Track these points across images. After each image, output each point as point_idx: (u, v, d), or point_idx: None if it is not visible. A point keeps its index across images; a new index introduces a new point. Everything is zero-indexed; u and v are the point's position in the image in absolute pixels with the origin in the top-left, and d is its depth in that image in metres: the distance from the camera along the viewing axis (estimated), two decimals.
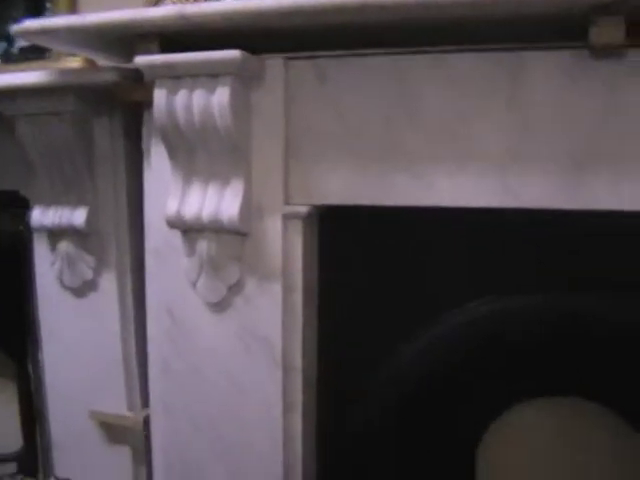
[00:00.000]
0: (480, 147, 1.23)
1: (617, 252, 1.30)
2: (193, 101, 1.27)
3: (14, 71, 1.61)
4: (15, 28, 1.31)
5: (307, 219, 1.35)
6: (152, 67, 1.28)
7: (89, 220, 1.61)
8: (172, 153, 1.35)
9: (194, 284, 1.41)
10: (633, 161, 1.17)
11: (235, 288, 1.39)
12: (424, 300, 1.39)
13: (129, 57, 1.31)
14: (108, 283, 1.67)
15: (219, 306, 1.41)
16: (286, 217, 1.34)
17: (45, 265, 1.72)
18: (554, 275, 1.33)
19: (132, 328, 1.69)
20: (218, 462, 1.46)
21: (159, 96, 1.29)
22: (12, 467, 2.01)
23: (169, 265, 1.44)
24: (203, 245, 1.38)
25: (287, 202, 1.35)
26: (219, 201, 1.34)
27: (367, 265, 1.42)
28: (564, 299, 1.36)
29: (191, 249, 1.40)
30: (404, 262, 1.39)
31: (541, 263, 1.34)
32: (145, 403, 1.68)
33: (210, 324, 1.42)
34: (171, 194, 1.36)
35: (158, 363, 1.48)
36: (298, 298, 1.38)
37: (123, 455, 1.75)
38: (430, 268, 1.39)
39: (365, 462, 1.48)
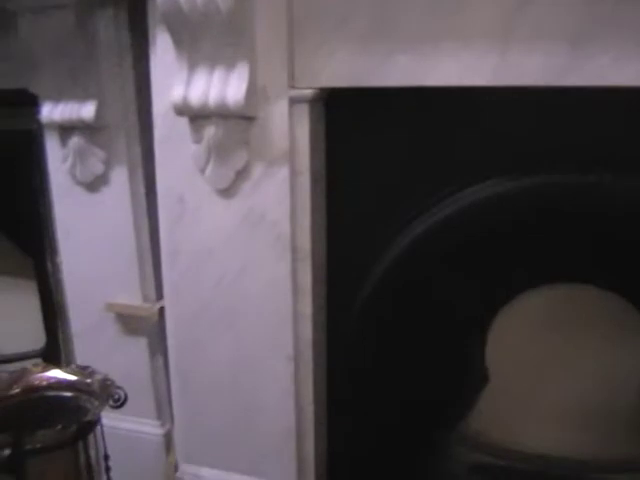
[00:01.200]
0: (481, 23, 1.21)
1: (624, 128, 1.28)
2: None
3: None
4: None
5: (313, 102, 1.36)
6: None
7: (98, 113, 1.61)
8: (176, 40, 1.35)
9: (203, 171, 1.42)
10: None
11: (243, 173, 1.41)
12: (431, 181, 1.40)
13: None
14: (119, 176, 1.69)
15: (228, 192, 1.42)
16: (292, 100, 1.34)
17: (57, 162, 1.74)
18: (562, 153, 1.32)
19: (145, 220, 1.72)
20: (227, 333, 1.50)
21: None
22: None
23: (178, 153, 1.45)
24: (210, 131, 1.38)
25: (292, 85, 1.34)
26: (225, 86, 1.34)
27: (373, 150, 1.41)
28: (572, 178, 1.35)
29: (199, 135, 1.40)
30: (409, 145, 1.39)
31: (548, 141, 1.32)
32: (160, 295, 1.72)
33: (219, 210, 1.44)
34: (177, 81, 1.36)
35: (170, 250, 1.50)
36: (305, 182, 1.39)
37: (140, 345, 1.79)
38: (437, 148, 1.38)
39: (370, 344, 1.51)
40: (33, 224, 2.02)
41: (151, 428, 1.86)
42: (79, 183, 1.73)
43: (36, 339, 2.13)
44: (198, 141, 1.41)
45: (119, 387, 1.51)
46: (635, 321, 1.56)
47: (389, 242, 1.44)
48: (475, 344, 1.65)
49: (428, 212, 1.43)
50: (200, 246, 1.46)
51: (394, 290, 1.48)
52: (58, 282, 2.01)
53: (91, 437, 1.48)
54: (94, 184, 1.71)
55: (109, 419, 1.64)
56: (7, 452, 1.33)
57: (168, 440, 1.83)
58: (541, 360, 1.65)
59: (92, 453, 1.49)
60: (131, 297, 1.75)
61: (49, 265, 2.04)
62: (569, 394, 1.64)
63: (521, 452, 1.61)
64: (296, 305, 1.43)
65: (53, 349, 2.06)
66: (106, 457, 1.53)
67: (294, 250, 1.40)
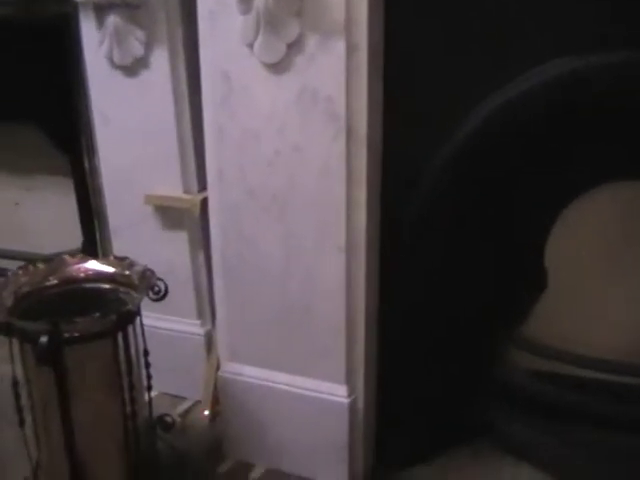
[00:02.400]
0: None
1: None
2: None
3: None
4: None
5: None
6: None
7: None
8: None
9: (251, 45, 1.31)
10: None
11: (295, 46, 1.29)
12: (496, 61, 1.27)
13: None
14: (160, 59, 1.60)
15: (278, 67, 1.31)
16: None
17: (93, 46, 1.64)
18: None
19: (187, 105, 1.63)
20: (275, 222, 1.40)
21: None
22: None
23: (224, 27, 1.33)
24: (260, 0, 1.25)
25: None
26: None
27: (437, 25, 1.29)
28: None
29: (247, 6, 1.28)
30: (475, 21, 1.25)
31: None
32: (202, 187, 1.62)
33: (269, 87, 1.33)
34: None
35: (214, 132, 1.40)
36: (363, 57, 1.28)
37: (180, 240, 1.71)
38: (503, 25, 1.24)
39: (428, 238, 1.41)
40: (70, 119, 1.93)
41: (192, 327, 1.81)
42: (117, 67, 1.63)
43: (73, 239, 2.05)
44: (246, 12, 1.29)
45: (159, 278, 1.43)
46: None
47: (451, 129, 1.31)
48: (535, 245, 1.53)
49: (493, 94, 1.29)
50: (248, 127, 1.36)
51: (455, 182, 1.37)
52: (95, 179, 1.93)
53: (130, 329, 1.41)
54: (133, 67, 1.62)
55: (150, 319, 1.61)
56: (44, 340, 1.25)
57: (209, 340, 1.77)
58: (603, 264, 1.53)
59: (132, 347, 1.41)
60: (172, 188, 1.67)
61: (86, 162, 1.95)
62: (632, 299, 1.52)
63: (582, 356, 1.50)
64: (349, 192, 1.31)
65: (91, 248, 1.99)
66: (146, 352, 1.47)
67: (349, 131, 1.29)
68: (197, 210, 1.65)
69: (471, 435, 1.66)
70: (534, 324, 1.61)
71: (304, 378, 1.49)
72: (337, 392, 1.47)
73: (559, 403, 1.54)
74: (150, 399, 1.52)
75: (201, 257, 1.72)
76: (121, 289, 1.48)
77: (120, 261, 1.52)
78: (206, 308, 1.77)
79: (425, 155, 1.36)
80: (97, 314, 1.36)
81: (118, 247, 1.77)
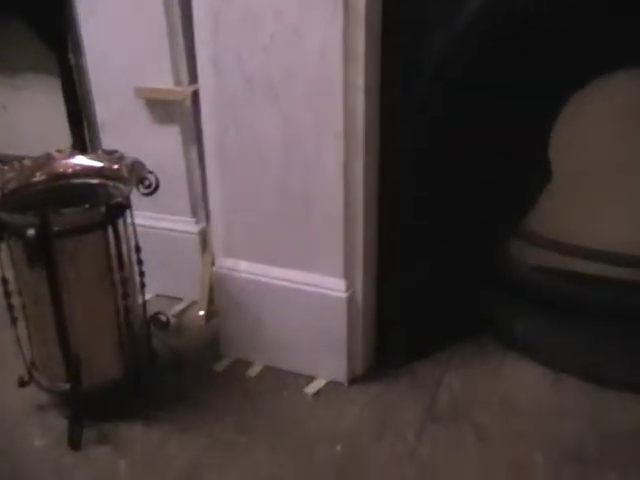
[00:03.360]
0: None
1: None
2: None
3: None
4: None
5: None
6: None
7: None
8: None
9: None
10: None
11: None
12: None
13: None
14: None
15: None
16: None
17: None
18: None
19: None
20: (271, 108, 1.33)
21: None
22: None
23: None
24: None
25: None
26: None
27: None
28: None
29: None
30: None
31: None
32: (193, 80, 1.55)
33: None
34: None
35: (206, 17, 1.33)
36: None
37: (172, 135, 1.65)
38: None
39: (435, 116, 1.34)
40: (57, 13, 1.83)
41: (186, 225, 1.77)
42: None
43: (63, 140, 1.99)
44: None
45: (150, 171, 1.37)
46: None
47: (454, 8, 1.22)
48: (540, 135, 1.47)
49: None
50: (246, 10, 1.27)
51: (458, 67, 1.29)
52: (83, 76, 1.85)
53: (121, 223, 1.35)
54: None
55: (144, 218, 1.60)
56: (32, 232, 1.20)
57: (204, 238, 1.72)
58: (609, 155, 1.48)
59: (123, 242, 1.36)
60: (162, 81, 1.58)
61: (72, 59, 1.87)
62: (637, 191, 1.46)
63: (585, 248, 1.45)
64: (347, 74, 1.24)
65: (80, 148, 1.93)
66: (137, 249, 1.42)
67: (346, 8, 1.20)
68: (188, 102, 1.58)
69: (474, 330, 1.65)
70: (538, 217, 1.57)
71: (302, 272, 1.45)
72: (335, 286, 1.43)
73: (561, 296, 1.53)
74: (144, 295, 1.47)
75: (194, 152, 1.66)
76: (110, 183, 1.43)
77: (109, 155, 1.46)
78: (200, 205, 1.73)
79: (427, 36, 1.27)
80: (86, 206, 1.30)
81: (107, 144, 1.70)
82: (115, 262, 1.38)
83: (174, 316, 1.78)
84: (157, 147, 1.64)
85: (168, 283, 1.80)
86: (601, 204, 1.53)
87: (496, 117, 1.40)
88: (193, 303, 1.82)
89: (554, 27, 1.28)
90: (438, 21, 1.28)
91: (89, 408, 1.40)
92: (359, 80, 1.27)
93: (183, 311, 1.82)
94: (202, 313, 1.75)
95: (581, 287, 1.51)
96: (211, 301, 1.71)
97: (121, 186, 1.39)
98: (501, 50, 1.30)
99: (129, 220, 1.40)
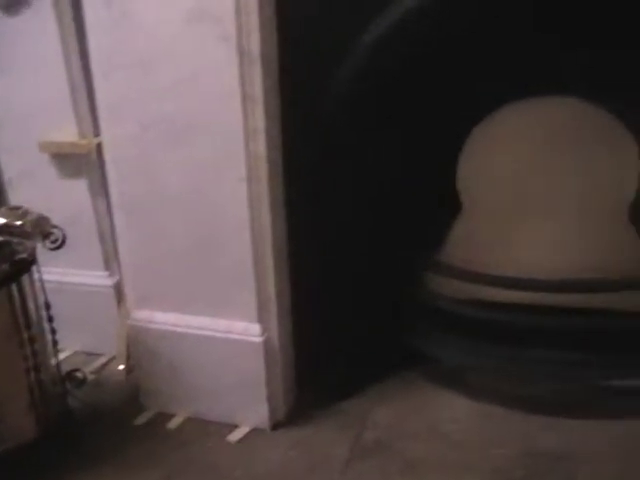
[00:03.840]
0: None
1: None
2: None
3: None
4: None
5: None
6: None
7: None
8: None
9: None
10: None
11: None
12: None
13: None
14: None
15: None
16: None
17: None
18: None
19: (75, 45, 1.53)
20: (175, 155, 1.33)
21: None
22: None
23: None
24: None
25: None
26: None
27: None
28: None
29: None
30: None
31: None
32: (98, 132, 1.53)
33: (157, 10, 1.24)
34: None
35: (102, 64, 1.31)
36: None
37: (80, 188, 1.63)
38: None
39: (337, 157, 1.35)
40: None
41: (100, 280, 1.73)
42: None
43: None
44: None
45: (55, 226, 1.35)
46: (617, 133, 1.47)
47: (351, 43, 1.25)
48: (447, 166, 1.49)
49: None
50: (138, 57, 1.27)
51: (358, 103, 1.32)
52: None
53: (26, 280, 1.32)
54: (12, 5, 1.48)
55: (57, 274, 1.62)
56: None
57: (118, 291, 1.69)
58: (517, 183, 1.52)
59: (30, 300, 1.33)
60: (67, 134, 1.57)
61: None
62: (548, 216, 1.51)
63: (503, 277, 1.48)
64: (247, 117, 1.24)
65: None
66: (47, 305, 1.39)
67: (242, 53, 1.21)
68: (94, 155, 1.57)
69: (399, 365, 1.65)
70: (454, 249, 1.59)
71: (216, 319, 1.44)
72: (250, 331, 1.42)
73: (483, 325, 1.53)
74: (57, 353, 1.44)
75: (103, 204, 1.65)
76: (15, 240, 1.39)
77: (13, 211, 1.43)
78: (113, 258, 1.69)
79: (327, 72, 1.29)
80: None
81: (16, 199, 1.66)
82: (22, 320, 1.34)
83: (93, 372, 1.73)
84: (66, 201, 1.62)
85: (87, 339, 1.77)
86: (512, 231, 1.55)
87: (401, 154, 1.42)
88: (113, 358, 1.78)
89: (444, 67, 1.30)
90: (334, 62, 1.28)
91: (2, 472, 1.34)
92: (259, 123, 1.27)
93: (103, 366, 1.78)
94: (122, 367, 1.71)
95: (501, 315, 1.52)
96: (130, 355, 1.67)
97: (26, 242, 1.36)
98: (394, 90, 1.32)
99: (36, 276, 1.36)
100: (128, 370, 1.70)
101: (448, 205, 1.55)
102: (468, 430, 1.49)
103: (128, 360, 1.69)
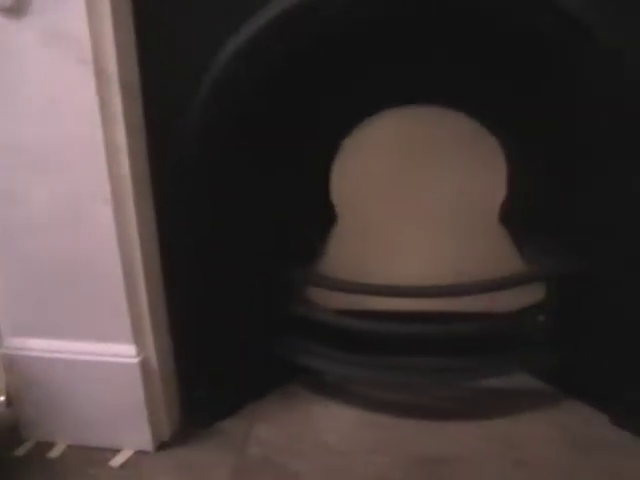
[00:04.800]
0: None
1: None
2: None
3: None
4: None
5: None
6: None
7: None
8: None
9: None
10: None
11: None
12: None
13: None
14: None
15: (15, 11, 1.20)
16: None
17: None
18: None
19: None
20: (38, 181, 1.32)
21: None
22: None
23: None
24: None
25: None
26: None
27: None
28: None
29: None
30: None
31: None
32: None
33: (9, 33, 1.21)
34: None
35: None
36: None
37: None
38: None
39: (204, 173, 1.36)
40: None
41: None
42: None
43: None
44: None
45: None
46: (483, 139, 1.53)
47: (209, 61, 1.26)
48: (320, 178, 1.52)
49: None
50: None
51: (221, 117, 1.33)
52: None
53: None
54: None
55: None
56: None
57: None
58: (391, 192, 1.56)
59: None
60: None
61: None
62: (422, 224, 1.55)
63: (381, 286, 1.51)
64: (108, 137, 1.25)
65: None
66: None
67: (99, 74, 1.20)
68: None
69: (282, 380, 1.67)
70: (331, 259, 1.63)
71: (90, 343, 1.42)
72: (125, 353, 1.41)
73: (364, 335, 1.56)
74: None
75: None
76: None
77: None
78: None
79: (187, 91, 1.29)
80: None
81: None
82: None
83: None
84: None
85: None
86: (386, 240, 1.60)
87: (272, 167, 1.44)
88: None
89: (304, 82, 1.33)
90: (194, 77, 1.29)
91: None
92: (121, 143, 1.27)
93: None
94: (2, 399, 1.66)
95: (382, 325, 1.54)
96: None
97: None
98: (255, 106, 1.35)
99: None
100: (9, 401, 1.64)
101: (323, 217, 1.57)
102: (351, 439, 1.51)
103: (8, 391, 1.64)
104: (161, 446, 1.51)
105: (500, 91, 1.45)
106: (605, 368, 1.50)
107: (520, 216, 1.56)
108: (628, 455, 1.41)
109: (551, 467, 1.40)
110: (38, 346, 1.46)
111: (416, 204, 1.60)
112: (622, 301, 1.43)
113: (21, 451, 1.53)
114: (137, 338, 1.40)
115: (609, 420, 1.50)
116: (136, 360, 1.40)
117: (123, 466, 1.46)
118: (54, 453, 1.51)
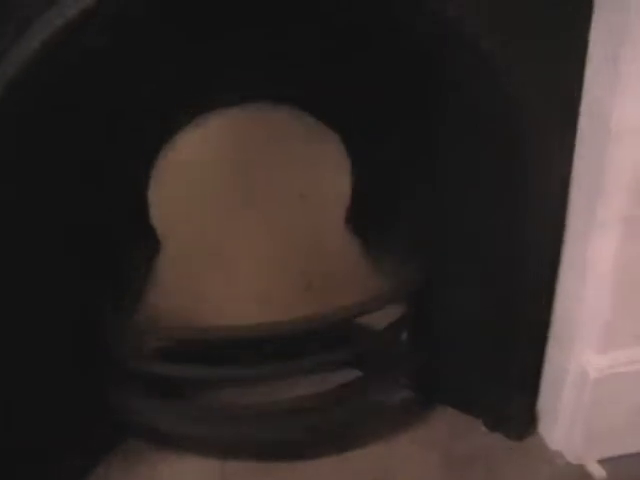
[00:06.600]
0: None
1: None
2: None
3: None
4: None
5: None
6: None
7: None
8: None
9: None
10: None
11: None
12: None
13: None
14: None
15: None
16: None
17: None
18: None
19: None
20: None
21: None
22: None
23: None
24: None
25: None
26: None
27: None
28: None
29: None
30: None
31: None
32: None
33: None
34: None
35: None
36: None
37: None
38: None
39: None
40: None
41: None
42: None
43: None
44: None
45: None
46: (324, 138, 1.36)
47: None
48: (138, 200, 1.28)
49: None
50: None
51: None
52: None
53: None
54: None
55: None
56: None
57: None
58: (222, 205, 1.38)
59: None
60: None
61: None
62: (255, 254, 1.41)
63: (212, 327, 1.36)
64: None
65: None
66: None
67: None
68: None
69: (119, 438, 1.45)
70: (153, 295, 1.40)
71: None
72: None
73: (194, 379, 1.40)
74: None
75: None
76: None
77: None
78: None
79: None
80: None
81: None
82: None
83: None
84: None
85: None
86: (224, 261, 1.41)
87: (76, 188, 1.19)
88: None
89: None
90: None
91: None
92: None
93: None
94: None
95: (215, 364, 1.36)
96: None
97: None
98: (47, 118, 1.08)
99: None
100: None
101: (145, 245, 1.33)
102: None
103: None
104: None
105: (335, 81, 1.27)
106: (465, 372, 1.42)
107: (368, 220, 1.39)
108: (504, 461, 1.36)
109: None
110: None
111: (253, 216, 1.39)
112: (463, 301, 1.35)
113: None
114: None
115: (483, 424, 1.44)
116: None
117: None
118: None
